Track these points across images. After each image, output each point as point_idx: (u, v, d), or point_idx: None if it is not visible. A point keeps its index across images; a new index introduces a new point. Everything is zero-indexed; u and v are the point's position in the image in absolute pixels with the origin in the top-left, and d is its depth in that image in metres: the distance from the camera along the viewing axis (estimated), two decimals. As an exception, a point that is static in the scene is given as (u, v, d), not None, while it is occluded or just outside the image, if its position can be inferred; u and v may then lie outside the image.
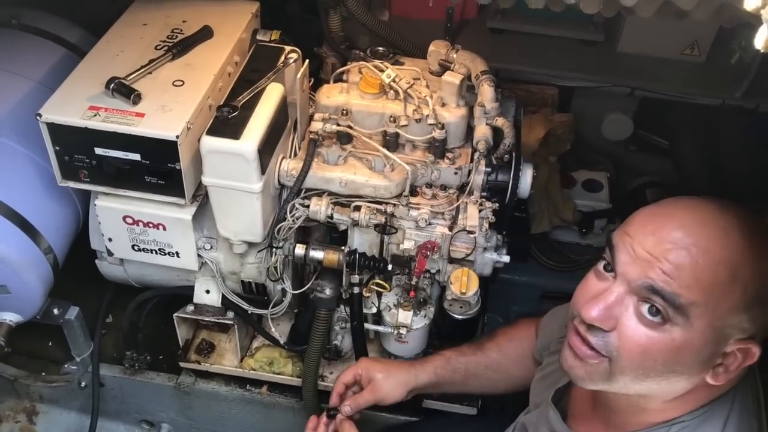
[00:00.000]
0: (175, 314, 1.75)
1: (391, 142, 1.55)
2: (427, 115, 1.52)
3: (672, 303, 0.97)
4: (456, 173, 1.56)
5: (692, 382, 1.04)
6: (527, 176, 1.57)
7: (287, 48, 1.64)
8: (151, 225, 1.56)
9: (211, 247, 1.64)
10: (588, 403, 1.25)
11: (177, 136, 1.38)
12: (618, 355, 1.03)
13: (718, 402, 1.09)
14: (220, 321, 1.74)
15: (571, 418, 1.28)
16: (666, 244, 0.99)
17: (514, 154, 1.55)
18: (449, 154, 1.57)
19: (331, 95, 1.59)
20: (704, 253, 0.97)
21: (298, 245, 1.57)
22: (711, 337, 0.99)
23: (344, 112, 1.56)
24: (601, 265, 1.08)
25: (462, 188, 1.58)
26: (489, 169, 1.55)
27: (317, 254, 1.56)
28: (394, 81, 1.56)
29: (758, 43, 0.77)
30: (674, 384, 1.04)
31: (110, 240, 1.62)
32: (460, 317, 1.59)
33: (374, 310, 1.66)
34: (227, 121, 1.41)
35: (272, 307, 1.71)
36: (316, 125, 1.54)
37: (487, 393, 1.68)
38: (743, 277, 0.98)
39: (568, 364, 1.11)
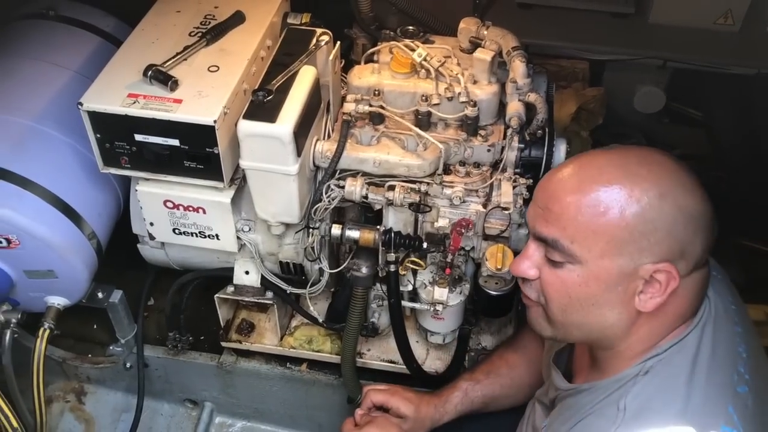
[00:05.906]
0: (216, 295, 1.79)
1: (424, 121, 1.56)
2: (459, 93, 1.53)
3: (558, 248, 1.09)
4: (489, 150, 1.57)
5: (623, 313, 1.10)
6: (560, 151, 1.57)
7: (318, 30, 1.65)
8: (191, 209, 1.60)
9: (250, 229, 1.68)
10: (586, 359, 1.30)
11: (214, 121, 1.41)
12: (544, 300, 1.16)
13: (690, 333, 1.12)
14: (259, 301, 1.78)
15: (574, 376, 1.33)
16: (548, 194, 1.12)
17: (547, 130, 1.55)
18: (482, 132, 1.57)
19: (362, 76, 1.60)
20: (581, 196, 1.06)
21: (334, 225, 1.59)
22: (613, 269, 1.06)
23: (376, 92, 1.57)
24: None
25: (495, 165, 1.58)
26: (522, 146, 1.55)
27: (353, 234, 1.59)
28: (425, 60, 1.56)
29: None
30: (603, 317, 1.11)
31: (151, 224, 1.66)
32: (495, 293, 1.60)
33: (410, 287, 1.68)
34: (263, 104, 1.43)
35: (310, 287, 1.74)
36: (349, 106, 1.55)
37: (511, 407, 1.63)
38: (627, 213, 1.03)
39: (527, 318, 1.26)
